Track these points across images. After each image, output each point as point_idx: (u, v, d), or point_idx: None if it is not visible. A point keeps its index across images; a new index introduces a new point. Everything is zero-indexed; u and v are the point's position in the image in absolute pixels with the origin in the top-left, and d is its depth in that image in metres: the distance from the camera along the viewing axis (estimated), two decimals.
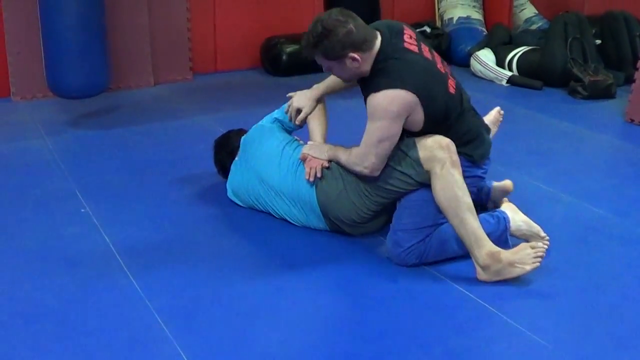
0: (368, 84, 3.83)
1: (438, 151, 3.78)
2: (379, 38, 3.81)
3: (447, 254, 3.91)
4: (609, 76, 7.19)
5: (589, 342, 3.30)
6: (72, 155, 5.46)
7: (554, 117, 6.53)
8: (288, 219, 4.32)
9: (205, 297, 3.60)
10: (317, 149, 4.17)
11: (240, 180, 4.45)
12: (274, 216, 4.39)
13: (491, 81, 7.62)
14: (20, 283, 3.70)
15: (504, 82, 7.58)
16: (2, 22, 6.64)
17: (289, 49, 7.73)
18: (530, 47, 7.80)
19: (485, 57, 7.79)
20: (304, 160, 4.15)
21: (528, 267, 3.67)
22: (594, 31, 7.89)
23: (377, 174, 3.86)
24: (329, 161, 4.10)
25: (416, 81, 3.72)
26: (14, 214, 4.48)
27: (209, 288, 3.67)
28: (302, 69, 7.61)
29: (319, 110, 4.43)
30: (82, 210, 4.51)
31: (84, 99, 6.16)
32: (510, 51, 7.80)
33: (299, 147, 4.34)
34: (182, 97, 7.08)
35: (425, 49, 3.93)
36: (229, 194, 4.58)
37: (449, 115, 3.89)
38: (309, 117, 4.40)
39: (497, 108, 4.69)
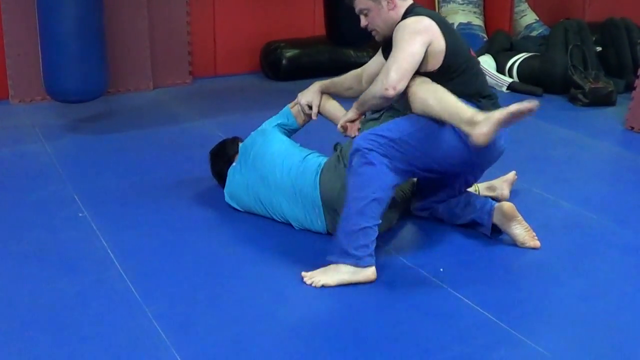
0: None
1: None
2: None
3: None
4: (610, 83, 7.19)
5: (588, 351, 3.28)
6: (70, 159, 5.46)
7: (554, 124, 6.53)
8: (287, 219, 4.33)
9: (203, 303, 3.58)
10: (348, 113, 4.20)
11: (240, 182, 4.44)
12: (272, 221, 4.39)
13: (491, 87, 7.58)
14: (17, 287, 3.68)
15: (504, 89, 7.57)
16: (1, 24, 6.63)
17: (289, 53, 7.73)
18: (530, 54, 7.80)
19: (486, 63, 7.78)
20: (344, 129, 4.19)
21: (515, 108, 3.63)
22: (594, 38, 7.89)
23: (392, 93, 3.80)
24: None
25: (435, 16, 3.99)
26: (12, 217, 4.47)
27: (208, 294, 3.65)
28: (302, 73, 7.61)
29: (327, 98, 4.53)
30: (80, 215, 4.50)
31: (83, 103, 6.14)
32: (511, 57, 7.80)
33: (303, 149, 4.41)
34: (182, 101, 7.08)
35: None
36: (226, 198, 4.57)
37: (470, 64, 4.06)
38: (321, 107, 4.49)
39: (514, 172, 4.85)
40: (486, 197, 4.53)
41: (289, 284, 3.77)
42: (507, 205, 4.18)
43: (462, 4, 8.88)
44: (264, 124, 4.57)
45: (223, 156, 4.66)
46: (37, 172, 5.19)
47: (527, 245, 4.13)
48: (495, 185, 4.74)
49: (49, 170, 5.22)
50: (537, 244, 4.13)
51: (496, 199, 4.58)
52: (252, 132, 4.56)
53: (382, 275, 3.82)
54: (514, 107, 3.62)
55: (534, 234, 4.16)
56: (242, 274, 3.86)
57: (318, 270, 3.78)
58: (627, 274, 3.94)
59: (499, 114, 3.64)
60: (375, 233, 3.79)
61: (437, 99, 3.82)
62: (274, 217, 4.38)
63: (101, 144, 5.81)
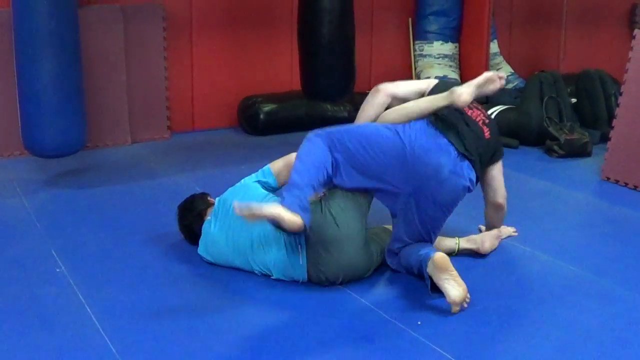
0: None
1: None
2: None
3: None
4: (585, 135, 7.25)
5: None
6: (48, 214, 5.44)
7: (530, 175, 6.57)
8: (267, 265, 4.32)
9: (181, 359, 3.56)
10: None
11: (217, 234, 4.44)
12: (250, 274, 4.38)
13: None
14: None
15: None
16: None
17: (267, 108, 7.77)
18: (506, 106, 7.85)
19: None
20: None
21: None
22: (569, 90, 7.97)
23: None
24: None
25: None
26: None
27: (186, 350, 3.63)
28: (280, 128, 7.66)
29: None
30: (58, 270, 4.48)
31: (61, 158, 6.14)
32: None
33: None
34: (160, 155, 7.09)
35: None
36: (201, 251, 4.55)
37: None
38: None
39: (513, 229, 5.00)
40: (466, 249, 4.61)
41: (268, 338, 3.76)
42: (439, 256, 4.02)
43: (438, 57, 8.96)
44: (243, 180, 4.60)
45: (193, 210, 4.68)
46: (15, 227, 5.17)
47: (455, 308, 3.95)
48: (476, 239, 4.73)
49: (26, 225, 5.21)
50: (456, 309, 3.97)
51: (477, 252, 4.64)
52: (230, 188, 4.59)
53: (360, 329, 3.83)
54: (486, 74, 4.38)
55: (468, 295, 4.00)
56: (220, 329, 3.84)
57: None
58: (605, 325, 3.93)
59: (475, 80, 4.34)
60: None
61: (414, 104, 4.42)
62: (254, 266, 4.38)
63: (79, 198, 5.80)
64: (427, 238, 4.34)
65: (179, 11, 7.66)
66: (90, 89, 6.63)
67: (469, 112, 4.47)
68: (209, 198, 4.71)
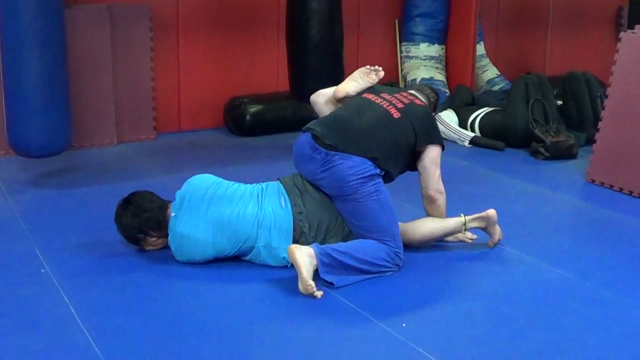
0: None
1: None
2: None
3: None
4: (570, 137, 7.27)
5: None
6: (33, 215, 5.43)
7: (515, 177, 6.58)
8: (255, 229, 4.41)
9: None
10: None
11: (192, 223, 4.44)
12: (233, 275, 4.39)
13: (454, 142, 7.66)
14: None
15: (466, 143, 7.63)
16: None
17: (253, 109, 7.76)
18: (492, 108, 7.87)
19: (448, 118, 7.84)
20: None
21: None
22: (555, 92, 8.00)
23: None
24: None
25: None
26: None
27: (171, 351, 3.62)
28: (266, 129, 7.65)
29: None
30: (42, 271, 4.46)
31: (47, 158, 6.12)
32: (473, 112, 7.86)
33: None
34: (145, 156, 7.07)
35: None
36: (174, 250, 4.54)
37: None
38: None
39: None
40: (474, 220, 4.81)
41: (252, 338, 3.76)
42: (290, 246, 4.27)
43: (425, 59, 8.97)
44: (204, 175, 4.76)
45: (152, 202, 4.65)
46: None
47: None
48: (480, 213, 4.84)
49: (11, 225, 5.19)
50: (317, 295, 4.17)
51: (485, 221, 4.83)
52: (191, 179, 4.71)
53: (344, 330, 3.83)
54: (362, 68, 4.86)
55: (314, 289, 4.14)
56: (204, 329, 3.83)
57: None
58: (590, 327, 3.94)
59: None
60: None
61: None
62: (240, 240, 4.44)
63: (65, 199, 5.78)
64: (371, 234, 4.48)
65: (166, 11, 7.66)
66: (76, 89, 6.62)
67: (377, 100, 4.69)
68: (157, 197, 4.72)
